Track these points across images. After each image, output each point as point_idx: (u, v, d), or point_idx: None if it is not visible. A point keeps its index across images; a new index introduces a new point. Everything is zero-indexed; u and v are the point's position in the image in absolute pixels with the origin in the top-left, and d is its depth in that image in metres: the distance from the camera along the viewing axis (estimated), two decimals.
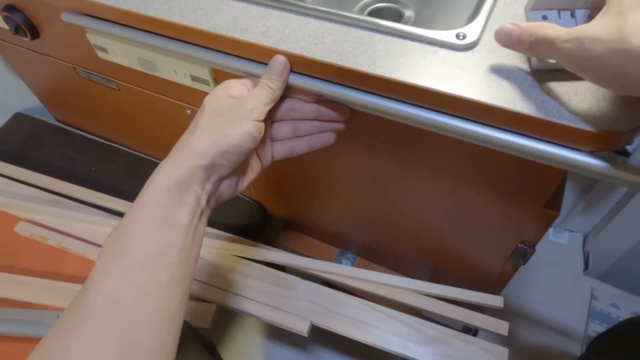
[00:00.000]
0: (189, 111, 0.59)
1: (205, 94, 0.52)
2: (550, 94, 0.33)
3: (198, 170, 0.35)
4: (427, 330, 0.57)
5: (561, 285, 0.98)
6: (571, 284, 0.98)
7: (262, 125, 0.37)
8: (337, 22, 0.40)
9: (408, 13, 0.58)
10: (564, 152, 0.32)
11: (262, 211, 0.74)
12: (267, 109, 0.38)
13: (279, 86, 0.38)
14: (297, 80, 0.39)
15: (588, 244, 1.03)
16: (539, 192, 0.42)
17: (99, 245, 0.66)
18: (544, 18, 0.34)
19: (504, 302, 0.58)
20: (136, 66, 0.54)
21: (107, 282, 0.31)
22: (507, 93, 0.33)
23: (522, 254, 0.50)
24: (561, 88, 0.33)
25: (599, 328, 0.91)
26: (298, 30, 0.40)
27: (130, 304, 0.31)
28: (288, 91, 0.41)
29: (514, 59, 0.35)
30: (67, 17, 0.49)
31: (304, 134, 0.43)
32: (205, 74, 0.49)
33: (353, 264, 0.75)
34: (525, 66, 0.35)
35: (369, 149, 0.50)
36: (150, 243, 0.33)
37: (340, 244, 0.77)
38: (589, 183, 0.92)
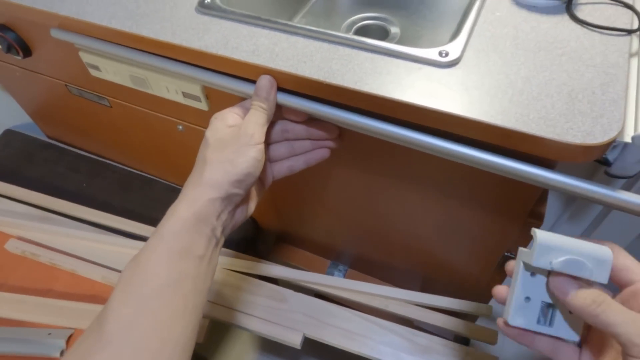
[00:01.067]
0: (180, 127, 0.59)
1: (196, 110, 0.53)
2: (529, 107, 0.34)
3: (214, 203, 0.36)
4: (419, 340, 0.57)
5: None
6: None
7: (263, 147, 0.39)
8: (324, 40, 0.42)
9: (394, 30, 0.60)
10: (543, 172, 0.34)
11: (254, 225, 0.74)
12: (265, 129, 0.39)
13: (270, 105, 0.40)
14: (288, 100, 0.41)
15: None
16: (522, 203, 0.43)
17: (91, 262, 0.66)
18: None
19: (494, 310, 0.59)
20: (128, 84, 0.54)
21: (124, 310, 0.33)
22: (488, 108, 0.34)
23: None
24: (538, 103, 0.35)
25: None
26: (287, 48, 0.41)
27: (146, 331, 0.32)
28: (279, 113, 0.42)
29: (494, 75, 0.37)
30: (56, 34, 0.50)
31: (300, 152, 0.45)
32: (196, 90, 0.50)
33: (344, 276, 0.76)
34: (504, 82, 0.36)
35: (358, 165, 0.51)
36: (167, 273, 0.34)
37: (332, 256, 0.77)
38: None
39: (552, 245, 0.31)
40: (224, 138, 0.38)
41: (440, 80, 0.37)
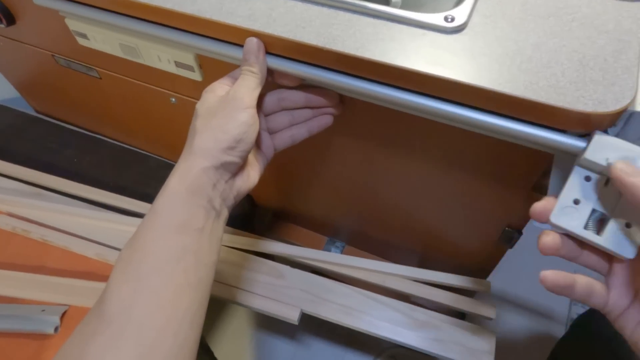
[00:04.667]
0: (173, 99, 0.57)
1: (190, 80, 0.51)
2: (539, 75, 0.33)
3: (207, 172, 0.35)
4: (417, 316, 0.57)
5: (546, 269, 1.00)
6: (555, 268, 1.00)
7: (256, 111, 0.37)
8: (324, 5, 0.39)
9: None
10: (551, 134, 0.33)
11: (250, 202, 0.73)
12: (256, 93, 0.38)
13: (260, 68, 0.38)
14: (280, 64, 0.39)
15: None
16: (526, 175, 0.42)
17: (83, 238, 0.65)
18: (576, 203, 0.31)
19: (493, 286, 0.59)
20: (118, 53, 0.52)
21: (123, 289, 0.32)
22: (496, 75, 0.33)
23: (509, 238, 0.51)
24: (548, 71, 0.33)
25: (581, 310, 0.93)
26: (285, 13, 0.39)
27: (147, 310, 0.31)
28: (273, 79, 0.41)
29: (502, 42, 0.35)
30: (39, 1, 0.47)
31: (301, 121, 0.43)
32: (189, 59, 0.48)
33: (342, 252, 0.76)
34: (513, 49, 0.35)
35: (358, 135, 0.50)
36: (164, 249, 0.33)
37: (329, 232, 0.77)
38: None
39: (608, 143, 0.29)
40: (213, 107, 0.36)
41: (446, 46, 0.35)
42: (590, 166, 0.30)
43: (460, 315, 0.67)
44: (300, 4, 0.40)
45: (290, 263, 0.63)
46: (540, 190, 0.44)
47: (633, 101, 0.32)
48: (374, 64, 0.35)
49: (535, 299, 0.96)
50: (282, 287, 0.60)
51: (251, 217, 0.73)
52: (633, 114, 0.34)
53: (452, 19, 0.36)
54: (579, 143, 0.32)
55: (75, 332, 0.32)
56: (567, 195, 0.30)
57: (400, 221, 0.61)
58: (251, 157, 0.41)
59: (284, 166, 0.62)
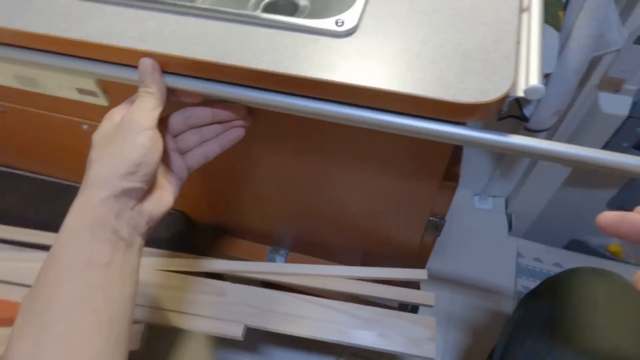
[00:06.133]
0: (85, 126, 0.55)
1: (96, 106, 0.50)
2: (426, 71, 0.34)
3: (107, 202, 0.33)
4: (361, 314, 0.58)
5: (489, 248, 1.05)
6: (498, 246, 1.05)
7: (156, 133, 0.36)
8: (217, 19, 0.39)
9: (303, 3, 0.58)
10: (443, 127, 0.34)
11: (186, 220, 0.71)
12: (156, 114, 0.37)
13: (157, 87, 0.37)
14: (180, 82, 0.38)
15: (510, 206, 1.10)
16: (434, 166, 0.44)
17: (8, 282, 0.61)
18: None
19: (437, 272, 0.60)
20: (16, 85, 0.49)
21: (24, 345, 0.29)
22: (386, 75, 0.34)
23: (435, 226, 0.53)
24: (434, 66, 0.34)
25: (526, 282, 0.98)
26: (177, 30, 0.38)
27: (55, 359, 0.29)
28: (177, 98, 0.40)
29: (392, 42, 0.36)
30: None
31: (212, 137, 0.42)
32: (91, 85, 0.46)
33: (286, 260, 0.75)
34: (402, 48, 0.36)
35: (272, 143, 0.50)
36: (69, 291, 0.31)
37: (272, 242, 0.76)
38: None
39: None
40: (108, 134, 0.35)
41: (338, 50, 0.36)
42: None
43: (408, 307, 0.68)
44: (193, 19, 0.39)
45: (237, 279, 0.62)
46: (452, 179, 0.45)
47: (513, 87, 0.33)
48: (269, 75, 0.35)
49: (482, 277, 1.00)
50: (225, 304, 0.59)
51: (189, 236, 0.71)
52: (541, 99, 0.36)
53: (343, 23, 0.37)
54: (467, 133, 0.34)
55: None
56: None
57: (333, 222, 0.62)
58: (161, 180, 0.40)
59: (211, 181, 0.61)
